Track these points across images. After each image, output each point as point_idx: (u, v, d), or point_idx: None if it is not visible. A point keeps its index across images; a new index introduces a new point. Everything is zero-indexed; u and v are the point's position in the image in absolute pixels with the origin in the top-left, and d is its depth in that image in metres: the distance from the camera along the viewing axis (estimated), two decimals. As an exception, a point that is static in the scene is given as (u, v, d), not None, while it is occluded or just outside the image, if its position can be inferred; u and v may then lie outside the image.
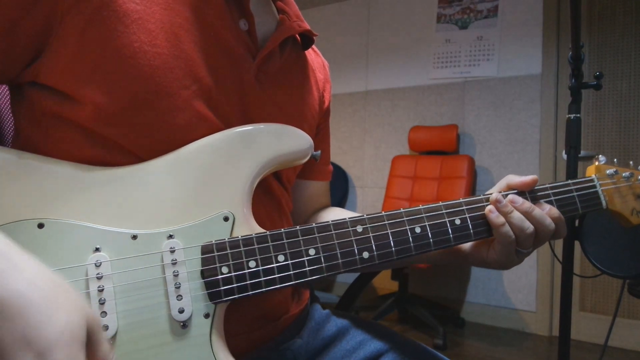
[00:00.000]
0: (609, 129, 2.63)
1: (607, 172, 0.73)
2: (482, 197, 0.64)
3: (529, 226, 0.61)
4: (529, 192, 0.65)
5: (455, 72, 3.06)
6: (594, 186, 0.70)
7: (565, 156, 1.15)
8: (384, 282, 3.17)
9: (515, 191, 0.65)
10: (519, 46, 2.86)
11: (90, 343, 0.38)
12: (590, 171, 0.73)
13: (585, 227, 1.13)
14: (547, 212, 0.63)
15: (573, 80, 1.13)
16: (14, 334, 0.33)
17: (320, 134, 0.80)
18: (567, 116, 1.15)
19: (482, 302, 2.93)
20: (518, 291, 2.82)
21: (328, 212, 0.82)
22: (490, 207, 0.62)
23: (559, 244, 2.51)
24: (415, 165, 3.01)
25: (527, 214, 0.61)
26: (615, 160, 0.75)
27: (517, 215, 0.61)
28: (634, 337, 2.50)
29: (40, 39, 0.51)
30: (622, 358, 2.41)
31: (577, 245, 1.15)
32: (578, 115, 1.13)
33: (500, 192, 0.64)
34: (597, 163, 0.74)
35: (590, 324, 2.62)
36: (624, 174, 0.73)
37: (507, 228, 0.60)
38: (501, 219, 0.61)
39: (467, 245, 0.67)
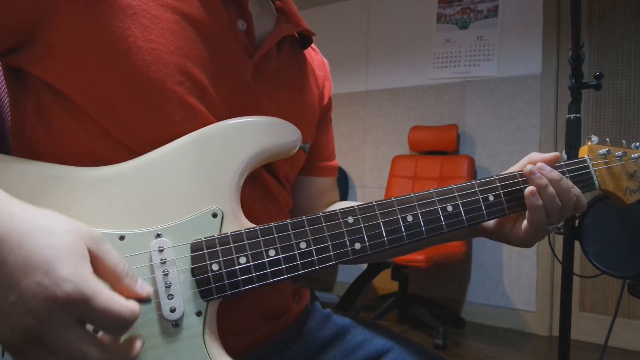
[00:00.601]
0: (609, 129, 2.62)
1: (600, 152, 0.71)
2: (473, 182, 0.63)
3: (558, 201, 0.61)
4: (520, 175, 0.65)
5: (455, 72, 3.06)
6: (587, 167, 0.70)
7: (565, 156, 1.15)
8: (384, 282, 3.16)
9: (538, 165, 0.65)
10: (519, 46, 2.86)
11: (96, 258, 0.40)
12: (583, 152, 0.72)
13: (585, 227, 1.13)
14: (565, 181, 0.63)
15: (573, 80, 1.13)
16: (17, 262, 0.36)
17: (321, 128, 0.80)
18: (567, 116, 1.14)
19: (482, 302, 2.93)
20: (518, 291, 2.81)
21: (336, 206, 0.81)
22: (531, 189, 0.61)
23: (559, 244, 2.50)
24: (415, 165, 3.00)
25: (554, 183, 0.62)
26: (607, 139, 0.74)
27: (551, 191, 0.61)
28: (634, 337, 2.50)
29: (28, 26, 0.51)
30: (622, 358, 2.41)
31: (577, 245, 1.14)
32: (578, 115, 1.13)
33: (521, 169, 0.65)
34: (589, 143, 0.73)
35: (590, 324, 2.61)
36: (616, 153, 0.72)
37: (542, 211, 0.61)
38: (540, 202, 0.61)
39: (490, 223, 0.67)
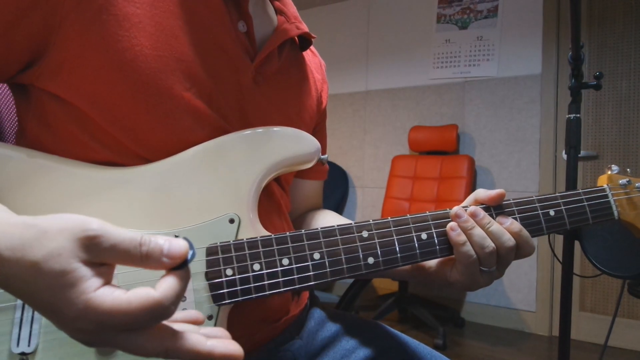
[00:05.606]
0: (609, 129, 2.63)
1: (620, 182, 0.69)
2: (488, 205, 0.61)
3: (489, 244, 0.57)
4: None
5: (455, 72, 3.06)
6: (606, 196, 0.67)
7: (565, 156, 1.16)
8: (384, 282, 3.17)
9: (484, 206, 0.61)
10: (519, 46, 2.86)
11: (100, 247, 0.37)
12: (602, 181, 0.71)
13: (586, 227, 1.13)
14: (507, 226, 0.58)
15: (573, 80, 1.14)
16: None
17: (317, 134, 0.81)
18: (567, 116, 1.15)
19: (482, 302, 2.93)
20: (518, 291, 2.82)
21: (320, 214, 0.82)
22: (451, 225, 0.58)
23: (559, 244, 2.50)
24: (415, 165, 3.00)
25: (485, 229, 0.58)
26: (628, 170, 0.73)
27: (478, 232, 0.57)
28: (634, 337, 2.50)
29: (38, 43, 0.51)
30: (622, 358, 2.42)
31: (577, 245, 1.15)
32: (578, 115, 1.14)
33: (465, 207, 0.61)
34: (609, 172, 0.71)
35: (590, 324, 2.62)
36: (637, 184, 0.70)
37: (468, 247, 0.57)
38: (462, 237, 0.57)
39: (432, 263, 0.64)
